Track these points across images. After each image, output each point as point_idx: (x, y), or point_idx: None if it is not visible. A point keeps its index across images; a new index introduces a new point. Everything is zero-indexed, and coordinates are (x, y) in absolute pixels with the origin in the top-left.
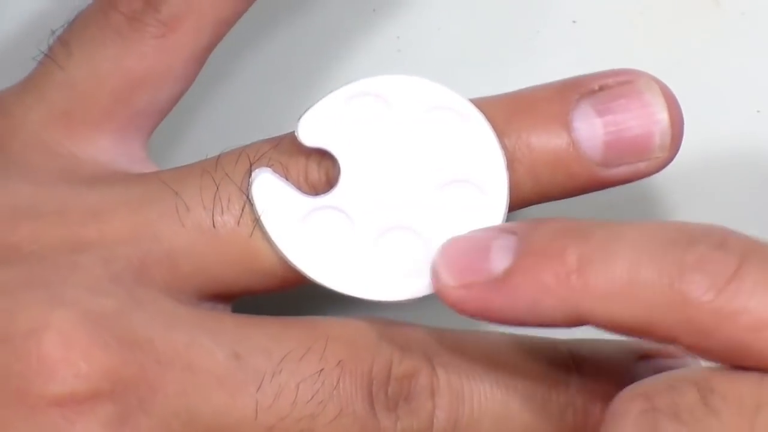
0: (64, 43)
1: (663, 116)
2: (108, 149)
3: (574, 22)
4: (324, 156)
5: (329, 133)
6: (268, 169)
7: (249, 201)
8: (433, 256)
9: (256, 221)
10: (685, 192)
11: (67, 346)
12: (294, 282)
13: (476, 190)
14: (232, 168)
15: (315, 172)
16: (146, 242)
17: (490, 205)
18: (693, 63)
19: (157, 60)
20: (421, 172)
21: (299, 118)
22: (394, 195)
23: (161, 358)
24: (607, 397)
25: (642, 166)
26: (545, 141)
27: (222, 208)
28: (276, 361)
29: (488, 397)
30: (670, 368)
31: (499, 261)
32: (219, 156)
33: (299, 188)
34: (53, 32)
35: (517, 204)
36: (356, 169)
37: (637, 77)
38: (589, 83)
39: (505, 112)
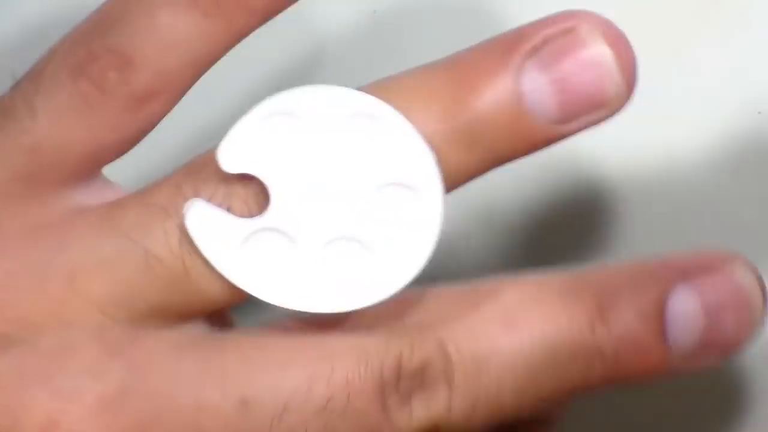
0: (29, 104)
1: (611, 63)
2: (71, 196)
3: None
4: (252, 178)
5: (250, 157)
6: (200, 199)
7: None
8: (376, 261)
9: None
10: (685, 192)
11: None
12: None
13: (408, 190)
14: (172, 203)
15: (247, 195)
16: (131, 302)
17: (425, 203)
18: (693, 63)
19: (127, 131)
20: (350, 182)
21: (218, 148)
22: (329, 208)
23: (172, 429)
24: (638, 335)
25: (602, 113)
26: (498, 114)
27: (188, 250)
28: (283, 400)
29: (507, 366)
30: (715, 291)
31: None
32: (159, 186)
33: (240, 214)
34: (13, 77)
35: (476, 175)
36: (286, 188)
37: (579, 23)
38: (530, 38)
39: (449, 92)
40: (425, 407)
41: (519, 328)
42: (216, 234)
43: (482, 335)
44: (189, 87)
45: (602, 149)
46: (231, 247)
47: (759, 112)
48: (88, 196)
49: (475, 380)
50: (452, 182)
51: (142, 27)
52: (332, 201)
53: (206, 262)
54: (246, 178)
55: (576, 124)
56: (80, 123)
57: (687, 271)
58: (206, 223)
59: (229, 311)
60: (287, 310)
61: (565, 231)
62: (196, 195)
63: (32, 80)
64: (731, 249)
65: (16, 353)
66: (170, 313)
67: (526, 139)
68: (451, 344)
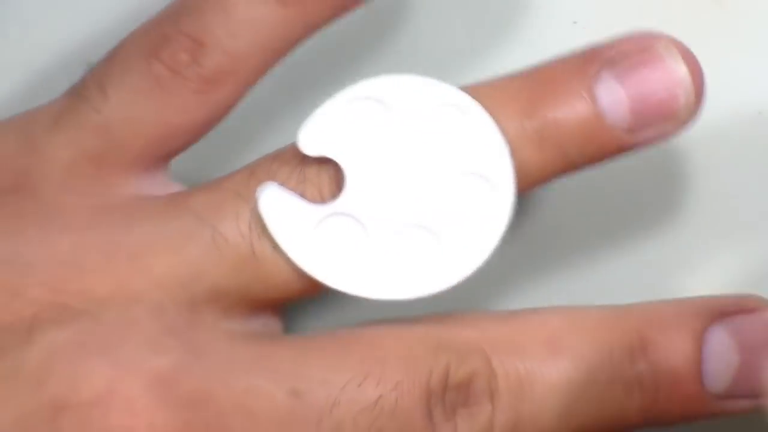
0: (101, 85)
1: (685, 76)
2: (137, 183)
3: (574, 22)
4: (328, 163)
5: (331, 141)
6: (274, 183)
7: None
8: (444, 248)
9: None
10: (686, 192)
11: (133, 414)
12: (316, 290)
13: (483, 181)
14: (245, 187)
15: (327, 181)
16: (192, 284)
17: (497, 195)
18: None
19: (197, 114)
20: (426, 170)
21: (300, 129)
22: (402, 195)
23: (223, 411)
24: (676, 369)
25: (669, 126)
26: (572, 117)
27: (258, 234)
28: (335, 394)
29: (548, 389)
30: (750, 330)
31: None
32: (233, 173)
33: (312, 199)
34: (89, 65)
35: (547, 180)
36: (362, 173)
37: (655, 41)
38: (607, 52)
39: (526, 94)
40: (469, 423)
41: (563, 352)
42: (288, 218)
43: (527, 355)
44: (259, 75)
45: None
46: (302, 232)
47: (759, 112)
48: (154, 187)
49: (519, 399)
50: (523, 180)
51: (216, 12)
52: (406, 188)
53: (275, 247)
54: (322, 162)
55: (646, 134)
56: (151, 104)
57: (724, 312)
58: (279, 206)
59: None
60: (355, 297)
61: (565, 231)
62: (271, 179)
63: (105, 63)
64: (731, 248)
65: (78, 324)
66: (232, 300)
67: (597, 144)
68: (497, 361)
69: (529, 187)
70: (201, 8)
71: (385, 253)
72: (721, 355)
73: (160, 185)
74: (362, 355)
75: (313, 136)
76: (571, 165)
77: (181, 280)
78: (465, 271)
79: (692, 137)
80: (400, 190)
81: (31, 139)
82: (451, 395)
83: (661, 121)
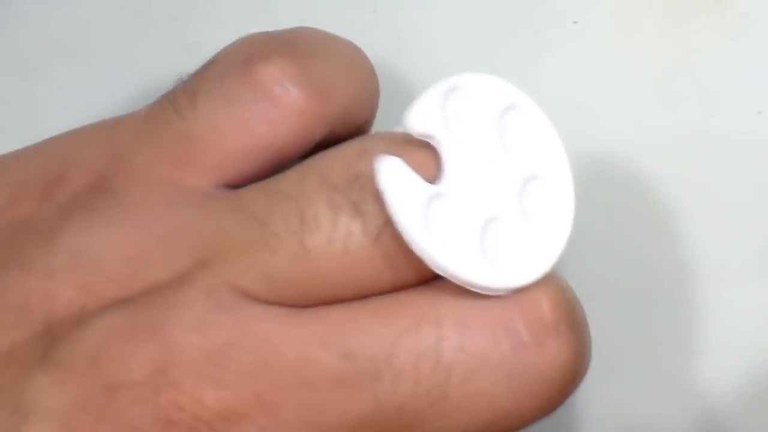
0: (191, 94)
1: None
2: (209, 186)
3: (574, 22)
4: (428, 146)
5: (433, 124)
6: (394, 156)
7: (377, 192)
8: (533, 235)
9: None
10: (686, 193)
11: (181, 391)
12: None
13: (549, 186)
14: (313, 181)
15: (427, 160)
16: (243, 269)
17: (562, 185)
18: (693, 63)
19: (287, 135)
20: (508, 166)
21: (406, 111)
22: (490, 186)
23: (275, 382)
24: None
25: None
26: None
27: (311, 228)
28: (390, 347)
29: None
30: None
31: None
32: (299, 168)
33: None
34: (181, 79)
35: None
36: (457, 160)
37: None
38: None
39: None
40: (560, 343)
41: None
42: (406, 191)
43: None
44: (341, 131)
45: (601, 148)
46: (417, 209)
47: (759, 112)
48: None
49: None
50: None
51: (321, 50)
52: (492, 180)
53: (329, 242)
54: (421, 145)
55: None
56: (238, 114)
57: None
58: (397, 179)
59: None
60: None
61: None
62: (364, 152)
63: (201, 71)
64: (730, 249)
65: (130, 308)
66: (285, 292)
67: None
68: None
69: None
70: (305, 42)
71: (481, 241)
72: None
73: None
74: (418, 302)
75: (419, 118)
76: None
77: (233, 267)
78: (555, 255)
79: (692, 137)
80: (488, 182)
81: (115, 144)
82: (534, 323)
83: None
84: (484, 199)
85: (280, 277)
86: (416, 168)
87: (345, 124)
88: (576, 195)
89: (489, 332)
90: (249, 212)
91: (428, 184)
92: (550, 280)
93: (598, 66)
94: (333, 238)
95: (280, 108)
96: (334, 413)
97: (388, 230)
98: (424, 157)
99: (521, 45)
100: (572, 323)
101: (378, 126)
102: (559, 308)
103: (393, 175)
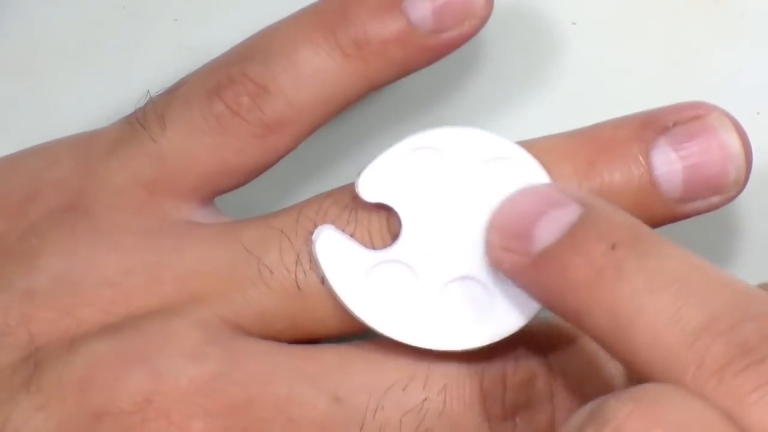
0: (161, 116)
1: (738, 152)
2: (188, 212)
3: (574, 23)
4: (384, 209)
5: (389, 188)
6: (331, 225)
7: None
8: (496, 302)
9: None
10: None
11: (169, 422)
12: (357, 330)
13: None
14: (307, 224)
15: (377, 226)
16: (238, 304)
17: None
18: (693, 63)
19: (252, 157)
20: (480, 222)
21: (359, 174)
22: (455, 246)
23: (262, 416)
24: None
25: (716, 199)
26: (628, 181)
27: (304, 269)
28: (378, 397)
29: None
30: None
31: (544, 236)
32: (293, 209)
33: (362, 243)
34: (148, 94)
35: None
36: (417, 222)
37: (708, 112)
38: (663, 119)
39: (584, 154)
40: (528, 423)
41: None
42: (342, 261)
43: (585, 358)
44: (318, 126)
45: None
46: (356, 276)
47: (758, 113)
48: (205, 218)
49: (573, 394)
50: None
51: (282, 59)
52: (460, 239)
53: (321, 283)
54: (374, 207)
55: (694, 206)
56: (208, 141)
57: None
58: (334, 248)
59: None
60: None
61: None
62: (320, 218)
63: (167, 95)
64: (732, 249)
65: (121, 336)
66: (277, 327)
67: (648, 211)
68: (554, 362)
69: None
70: (269, 55)
71: (436, 304)
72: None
73: (210, 216)
74: (408, 357)
75: (373, 183)
76: None
77: (227, 300)
78: (515, 325)
79: None
80: (453, 242)
81: (87, 161)
82: (510, 396)
83: (710, 193)
84: (443, 262)
85: (274, 313)
86: (357, 231)
87: (327, 117)
88: None
89: (467, 401)
90: (244, 247)
91: (372, 251)
92: (538, 355)
93: (598, 66)
94: (325, 279)
95: (243, 138)
96: None
97: None
98: (370, 220)
99: (521, 45)
100: (545, 396)
101: (378, 125)
102: (536, 387)
103: (329, 246)
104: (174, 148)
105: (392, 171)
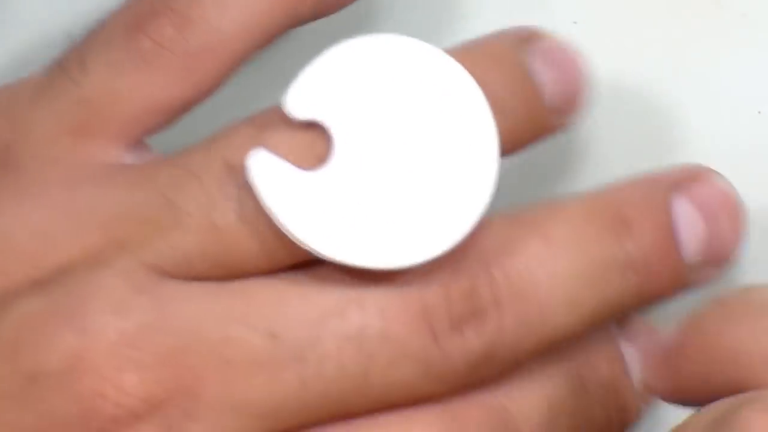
0: (81, 60)
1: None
2: (117, 155)
3: (574, 22)
4: (315, 127)
5: (318, 103)
6: (263, 148)
7: (247, 185)
8: (437, 216)
9: (256, 208)
10: None
11: (101, 378)
12: (287, 261)
13: (469, 144)
14: (218, 159)
15: (305, 145)
16: (161, 249)
17: (481, 156)
18: (693, 64)
19: (179, 91)
20: (413, 133)
21: (286, 92)
22: (391, 160)
23: (197, 363)
24: (660, 244)
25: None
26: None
27: (218, 206)
28: (314, 329)
29: (551, 283)
30: (708, 195)
31: None
32: (205, 145)
33: (295, 164)
34: (70, 37)
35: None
36: (350, 138)
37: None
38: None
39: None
40: (477, 333)
41: (558, 244)
42: (280, 185)
43: (524, 254)
44: (242, 60)
45: (602, 148)
46: (296, 200)
47: (759, 112)
48: (134, 159)
49: (524, 300)
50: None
51: None
52: (395, 152)
53: (239, 219)
54: (310, 126)
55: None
56: (132, 79)
57: (679, 183)
58: (270, 172)
59: None
60: (347, 265)
61: None
62: (238, 149)
63: (89, 37)
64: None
65: (48, 294)
66: (202, 268)
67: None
68: (496, 265)
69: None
70: None
71: (376, 221)
72: (691, 223)
73: (140, 157)
74: (343, 286)
75: (301, 99)
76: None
77: (149, 247)
78: (455, 237)
79: (693, 136)
80: (389, 155)
81: (11, 114)
82: (455, 310)
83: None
84: (379, 177)
85: (197, 254)
86: (299, 154)
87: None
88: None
89: (409, 321)
90: (160, 191)
91: (307, 171)
92: (480, 262)
93: (598, 66)
94: (241, 215)
95: (169, 71)
96: (258, 394)
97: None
98: (308, 141)
99: None
100: (495, 306)
101: None
102: (480, 294)
103: (262, 169)
104: (98, 89)
105: (320, 85)
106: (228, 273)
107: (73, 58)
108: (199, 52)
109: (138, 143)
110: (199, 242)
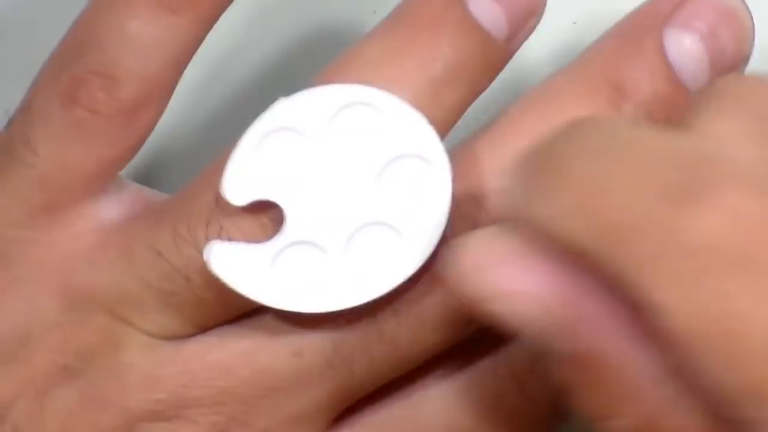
0: (25, 140)
1: None
2: (94, 207)
3: (574, 23)
4: (253, 205)
5: (255, 183)
6: (217, 240)
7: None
8: (402, 240)
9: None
10: None
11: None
12: None
13: (416, 159)
14: (173, 246)
15: (252, 222)
16: (166, 317)
17: (434, 166)
18: None
19: (126, 142)
20: (359, 170)
21: (221, 183)
22: (345, 202)
23: (240, 400)
24: (661, 91)
25: (534, 20)
26: (461, 45)
27: (194, 278)
28: (331, 338)
29: None
30: (700, 13)
31: None
32: (170, 221)
33: (255, 240)
34: (6, 112)
35: (460, 114)
36: (298, 198)
37: None
38: None
39: (407, 48)
40: None
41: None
42: (243, 267)
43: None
44: (175, 86)
45: None
46: (261, 274)
47: None
48: (110, 207)
49: None
50: (447, 126)
51: (116, 40)
52: (347, 194)
53: (222, 288)
54: (256, 206)
55: (520, 37)
56: (80, 147)
57: (667, 15)
58: (230, 259)
59: None
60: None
61: None
62: (213, 234)
63: (24, 114)
64: None
65: (76, 382)
66: (207, 325)
67: (489, 60)
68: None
69: (452, 124)
70: (101, 41)
71: (348, 262)
72: (690, 56)
73: (114, 203)
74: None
75: (237, 186)
76: (479, 91)
77: (155, 319)
78: (426, 252)
79: None
80: (342, 199)
81: None
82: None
83: (527, 19)
84: (339, 225)
85: (200, 316)
86: (253, 232)
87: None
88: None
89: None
90: (139, 276)
91: (266, 244)
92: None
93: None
94: (206, 279)
95: (111, 131)
96: (305, 405)
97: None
98: (258, 218)
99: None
100: None
101: None
102: None
103: (223, 259)
104: (51, 165)
105: (249, 166)
106: (228, 316)
107: (19, 141)
108: (133, 105)
109: (106, 189)
110: (196, 306)
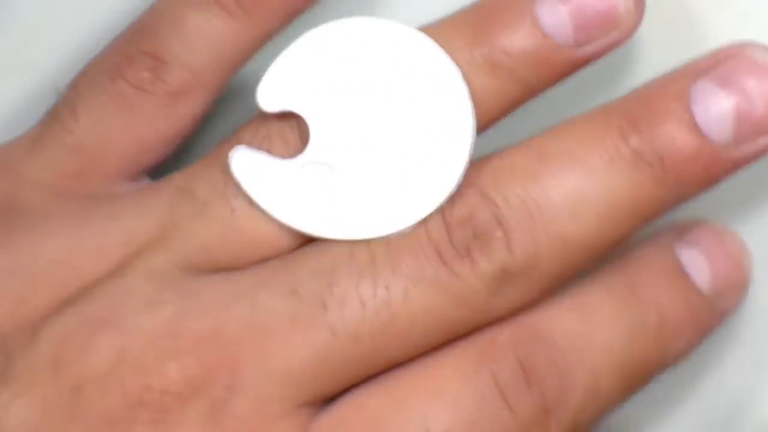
0: (71, 107)
1: None
2: (120, 188)
3: None
4: (291, 117)
5: (289, 94)
6: (243, 146)
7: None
8: (417, 177)
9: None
10: None
11: (144, 372)
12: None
13: (442, 113)
14: (216, 159)
15: (285, 134)
16: (181, 244)
17: (458, 124)
18: None
19: (165, 126)
20: (386, 108)
21: (257, 87)
22: (367, 134)
23: (231, 339)
24: (671, 132)
25: (614, 35)
26: (518, 41)
27: (234, 192)
28: (328, 278)
29: (555, 199)
30: (732, 70)
31: None
32: (215, 148)
33: (281, 155)
34: (57, 89)
35: (508, 108)
36: (325, 120)
37: None
38: None
39: (472, 26)
40: (484, 254)
41: (552, 156)
42: (262, 176)
43: (519, 173)
44: (221, 85)
45: None
46: (278, 188)
47: None
48: (134, 186)
49: (528, 217)
50: (481, 108)
51: (172, 29)
52: (370, 127)
53: (251, 204)
54: (284, 116)
55: (592, 48)
56: (120, 121)
57: (701, 69)
58: (251, 166)
59: None
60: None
61: None
62: (238, 142)
63: (74, 87)
64: None
65: (76, 309)
66: (223, 257)
67: (548, 64)
68: (492, 190)
69: (490, 115)
70: (157, 27)
71: (357, 196)
72: (712, 103)
73: (141, 182)
74: (344, 237)
75: (271, 93)
76: (527, 89)
77: (169, 245)
78: (443, 194)
79: None
80: (364, 130)
81: (11, 166)
82: (456, 235)
83: (605, 31)
84: (359, 154)
85: (217, 243)
86: (273, 146)
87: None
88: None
89: (415, 252)
90: (176, 187)
91: (287, 160)
92: (476, 189)
93: (599, 66)
94: (250, 202)
95: (152, 110)
96: (294, 356)
97: None
98: (282, 130)
99: None
100: (491, 231)
101: None
102: (479, 217)
103: (245, 164)
104: (90, 134)
105: (289, 76)
106: (246, 262)
107: (64, 108)
108: (177, 90)
109: (136, 178)
110: (218, 230)
